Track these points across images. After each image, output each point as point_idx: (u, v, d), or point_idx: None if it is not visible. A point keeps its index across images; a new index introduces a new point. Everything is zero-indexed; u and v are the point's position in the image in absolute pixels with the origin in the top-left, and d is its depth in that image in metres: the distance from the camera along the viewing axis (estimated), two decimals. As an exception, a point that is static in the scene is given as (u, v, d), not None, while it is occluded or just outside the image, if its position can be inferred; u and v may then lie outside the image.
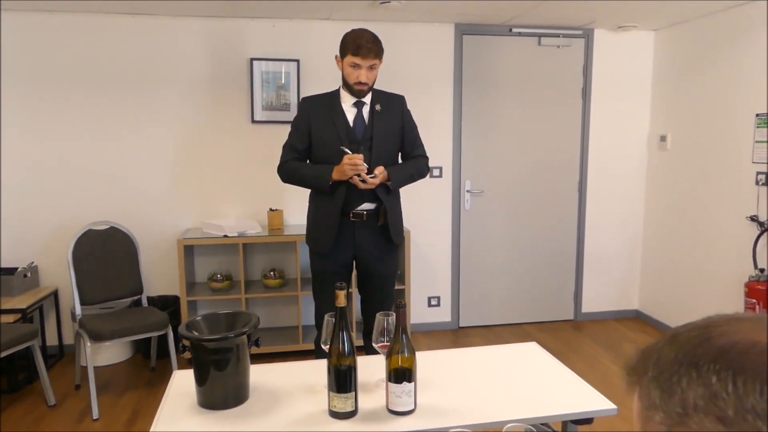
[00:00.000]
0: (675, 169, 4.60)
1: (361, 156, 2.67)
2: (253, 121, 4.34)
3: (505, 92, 4.70)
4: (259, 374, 1.97)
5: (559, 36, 4.69)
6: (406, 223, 4.60)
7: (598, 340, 4.59)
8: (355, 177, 2.70)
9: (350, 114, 2.83)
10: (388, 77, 4.43)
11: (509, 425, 1.24)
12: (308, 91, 4.31)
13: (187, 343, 1.75)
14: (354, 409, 1.68)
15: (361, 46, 2.66)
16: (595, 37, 4.74)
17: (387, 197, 2.84)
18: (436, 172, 4.66)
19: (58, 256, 4.20)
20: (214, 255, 4.43)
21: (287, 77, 4.33)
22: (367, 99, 2.84)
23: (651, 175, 4.92)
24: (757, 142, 3.79)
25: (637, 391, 0.69)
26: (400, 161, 3.00)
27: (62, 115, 4.13)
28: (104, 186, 4.24)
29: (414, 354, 1.68)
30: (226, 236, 4.02)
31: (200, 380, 1.73)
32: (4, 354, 3.20)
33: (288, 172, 2.88)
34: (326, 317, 1.83)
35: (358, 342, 3.04)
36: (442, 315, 4.86)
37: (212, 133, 4.33)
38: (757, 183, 3.80)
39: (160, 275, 4.39)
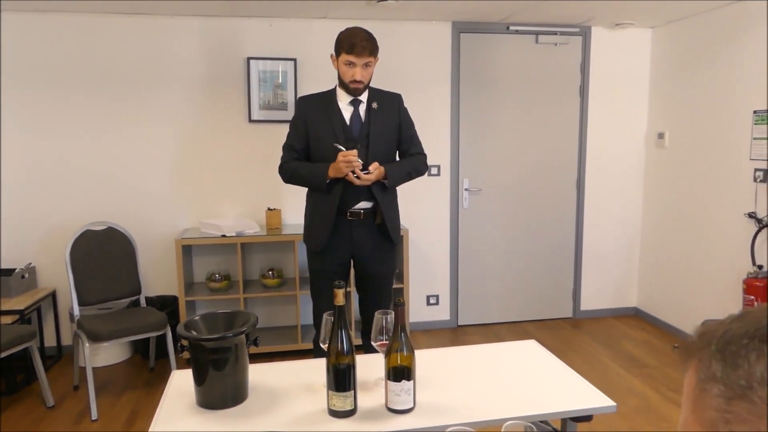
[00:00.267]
0: (673, 167, 4.60)
1: (354, 152, 2.66)
2: (251, 121, 4.34)
3: (502, 90, 4.70)
4: (258, 374, 1.97)
5: (556, 34, 4.69)
6: (405, 221, 4.60)
7: (596, 338, 4.59)
8: (350, 174, 2.69)
9: (347, 112, 2.83)
10: (385, 76, 4.43)
11: (509, 423, 1.23)
12: (305, 90, 4.30)
13: (185, 342, 1.75)
14: (353, 407, 1.68)
15: (355, 44, 2.66)
16: (592, 35, 4.74)
17: (383, 195, 2.84)
18: (434, 171, 4.66)
19: (56, 256, 4.19)
20: (213, 255, 4.42)
21: (284, 76, 4.33)
22: (364, 97, 2.84)
23: (649, 172, 4.92)
24: (755, 138, 3.79)
25: (694, 364, 0.69)
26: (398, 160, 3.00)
27: (59, 115, 4.12)
28: (102, 186, 4.23)
29: (413, 352, 1.67)
30: (224, 236, 4.01)
31: (199, 380, 1.73)
32: (2, 355, 3.19)
33: (287, 173, 2.89)
34: (325, 316, 1.82)
35: (357, 341, 3.04)
36: (441, 313, 4.86)
37: (209, 133, 4.33)
38: (755, 180, 3.80)
39: (158, 275, 4.38)
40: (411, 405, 1.69)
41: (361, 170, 2.71)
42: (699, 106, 4.29)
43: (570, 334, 4.71)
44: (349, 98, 2.82)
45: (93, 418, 3.34)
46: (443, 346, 2.28)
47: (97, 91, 4.15)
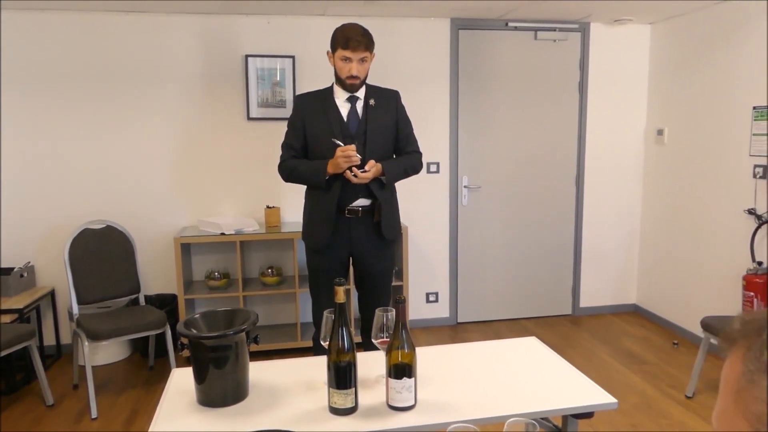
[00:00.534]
0: (672, 163, 4.59)
1: (353, 147, 2.66)
2: (249, 118, 4.33)
3: (501, 87, 4.69)
4: (258, 371, 1.96)
5: (555, 30, 4.68)
6: (404, 219, 4.60)
7: (596, 335, 4.59)
8: (348, 171, 2.69)
9: (344, 109, 2.82)
10: (384, 73, 4.42)
11: (511, 420, 1.23)
12: (304, 87, 4.29)
13: (185, 341, 1.74)
14: (354, 405, 1.68)
15: (350, 38, 2.66)
16: (591, 31, 4.73)
17: (381, 193, 2.84)
18: (433, 168, 4.65)
19: (55, 255, 4.18)
20: (212, 253, 4.41)
21: (282, 74, 4.32)
22: (361, 94, 2.84)
23: (648, 169, 4.92)
24: (754, 134, 3.79)
25: (740, 352, 0.66)
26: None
27: (57, 114, 4.11)
28: (100, 185, 4.22)
29: (414, 350, 1.67)
30: (223, 234, 4.00)
31: (199, 378, 1.72)
32: (1, 354, 3.19)
33: (286, 171, 2.88)
34: (325, 314, 1.82)
35: (356, 338, 3.03)
36: (441, 311, 4.86)
37: (208, 131, 4.32)
38: (754, 176, 3.80)
39: (157, 274, 4.37)
40: (412, 402, 1.69)
41: (359, 167, 2.70)
42: (698, 102, 4.29)
43: (569, 331, 4.71)
44: (347, 95, 2.82)
45: (93, 417, 3.33)
46: (443, 344, 2.28)
47: (96, 90, 4.14)
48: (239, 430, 1.58)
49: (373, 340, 1.82)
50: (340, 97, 2.83)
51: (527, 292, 4.99)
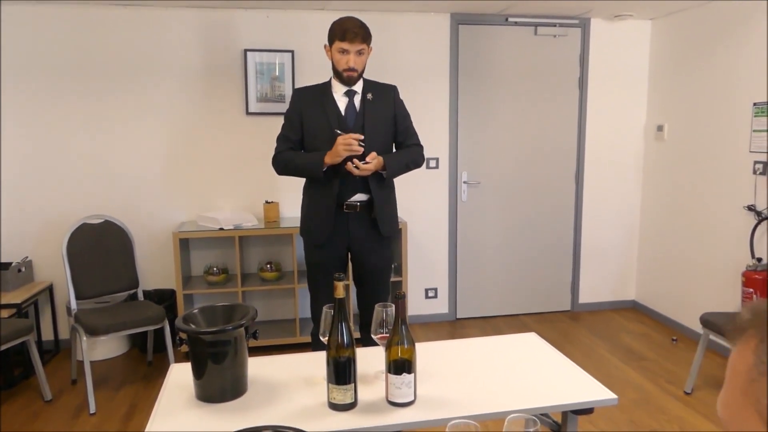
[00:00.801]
0: (672, 159, 4.59)
1: (357, 135, 2.65)
2: (248, 113, 4.31)
3: (501, 82, 4.68)
4: (257, 367, 1.96)
5: (555, 25, 4.67)
6: (403, 214, 4.59)
7: (595, 331, 4.59)
8: (349, 164, 2.68)
9: (341, 103, 2.82)
10: (384, 68, 4.41)
11: (511, 416, 1.22)
12: (303, 82, 4.28)
13: (184, 336, 1.73)
14: (354, 400, 1.67)
15: (347, 30, 2.66)
16: (591, 27, 4.72)
17: (380, 188, 2.83)
18: (432, 163, 4.64)
19: (53, 250, 4.17)
20: (210, 248, 4.40)
21: (282, 68, 4.30)
22: (359, 88, 2.83)
23: (648, 165, 4.91)
24: (754, 131, 3.78)
25: (752, 343, 0.64)
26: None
27: (55, 108, 4.09)
28: (98, 179, 4.21)
29: (414, 345, 1.66)
30: (221, 229, 3.99)
31: (198, 373, 1.72)
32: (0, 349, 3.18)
33: (281, 163, 2.87)
34: (325, 309, 1.81)
35: (355, 334, 3.03)
36: (440, 306, 4.85)
37: (206, 126, 4.30)
38: (754, 172, 3.79)
39: (155, 269, 4.36)
40: (412, 398, 1.68)
41: (360, 159, 2.69)
42: (698, 98, 4.28)
43: (568, 327, 4.71)
44: (344, 89, 2.81)
45: (91, 412, 3.33)
46: (442, 339, 2.27)
47: (94, 84, 4.12)
48: (238, 426, 1.58)
49: (372, 336, 1.82)
50: (338, 91, 2.82)
51: (526, 288, 4.99)
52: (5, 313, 3.60)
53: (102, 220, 3.82)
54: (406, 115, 2.96)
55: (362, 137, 2.68)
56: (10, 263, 3.95)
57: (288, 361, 2.01)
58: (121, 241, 3.84)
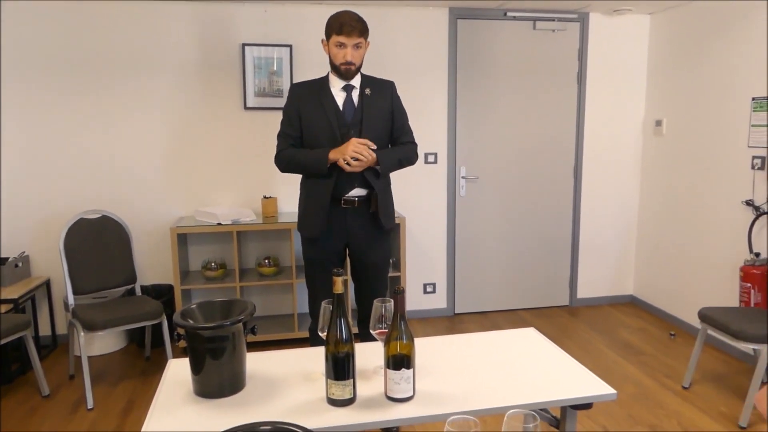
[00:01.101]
0: (670, 154, 4.58)
1: (372, 144, 2.69)
2: (246, 108, 4.30)
3: (500, 77, 4.67)
4: (256, 362, 1.95)
5: (554, 20, 4.65)
6: (401, 209, 4.59)
7: (593, 326, 4.59)
8: (341, 160, 2.68)
9: (339, 98, 2.81)
10: (382, 62, 4.40)
11: (511, 412, 1.22)
12: (301, 76, 4.27)
13: (182, 331, 1.73)
14: (352, 396, 1.67)
15: (345, 24, 2.65)
16: (590, 21, 4.71)
17: (377, 183, 2.82)
18: (431, 159, 4.64)
19: (50, 245, 4.16)
20: (208, 243, 4.39)
21: (280, 63, 4.29)
22: (357, 83, 2.82)
23: (646, 159, 4.91)
24: (753, 126, 3.77)
25: None
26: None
27: (52, 103, 4.07)
28: (96, 174, 4.19)
29: (412, 340, 1.66)
30: (219, 224, 3.98)
31: (196, 369, 1.71)
32: (-4, 344, 3.18)
33: (284, 161, 2.86)
34: (323, 304, 1.81)
35: (353, 329, 3.03)
36: (438, 302, 4.85)
37: (204, 120, 4.29)
38: (753, 167, 3.79)
39: (153, 264, 4.36)
40: (411, 393, 1.68)
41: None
42: (697, 93, 4.27)
43: (567, 321, 4.71)
44: (342, 84, 2.80)
45: (89, 407, 3.32)
46: (440, 335, 2.27)
47: (91, 78, 4.10)
48: (236, 422, 1.57)
49: (371, 331, 1.81)
50: (336, 86, 2.81)
51: (525, 282, 4.99)
52: (2, 309, 3.59)
53: (99, 215, 3.81)
54: (403, 112, 2.96)
55: (375, 146, 2.70)
56: (7, 258, 3.94)
57: (286, 357, 2.01)
58: (118, 236, 3.83)
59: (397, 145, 2.93)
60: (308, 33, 4.31)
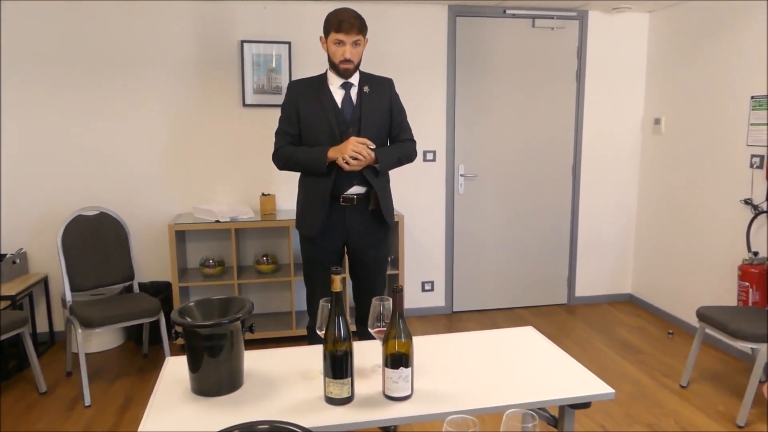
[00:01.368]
0: (669, 153, 4.58)
1: (371, 144, 2.68)
2: (244, 105, 4.29)
3: (499, 75, 4.66)
4: (253, 360, 1.95)
5: (553, 18, 4.65)
6: (400, 207, 4.58)
7: (591, 324, 4.59)
8: (340, 159, 2.67)
9: (338, 96, 2.80)
10: (381, 60, 4.39)
11: (509, 411, 1.22)
12: (300, 74, 4.26)
13: (179, 329, 1.72)
14: (350, 395, 1.66)
15: (343, 21, 2.64)
16: (589, 19, 4.70)
17: (376, 180, 2.82)
18: (429, 156, 4.63)
19: (48, 242, 4.15)
20: (206, 240, 4.39)
21: (278, 60, 4.28)
22: (355, 80, 2.82)
23: (645, 158, 4.91)
24: (752, 124, 3.77)
25: None
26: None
27: (50, 100, 4.06)
28: (94, 171, 4.18)
29: (411, 339, 1.65)
30: (218, 221, 3.98)
31: (193, 367, 1.70)
32: (-7, 341, 3.17)
33: (282, 159, 2.85)
34: (322, 302, 1.81)
35: (351, 327, 3.03)
36: (436, 300, 4.85)
37: (203, 117, 4.28)
38: (751, 166, 3.79)
39: (151, 261, 4.35)
40: (409, 392, 1.68)
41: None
42: (696, 91, 4.27)
43: (565, 320, 4.71)
44: (341, 81, 2.79)
45: (86, 405, 3.32)
46: (438, 333, 2.27)
47: (89, 75, 4.09)
48: (234, 420, 1.57)
49: (369, 330, 1.81)
50: (334, 84, 2.80)
51: (523, 281, 4.99)
52: (0, 305, 3.58)
53: (97, 212, 3.80)
54: (402, 109, 2.95)
55: (374, 145, 2.69)
56: (5, 255, 3.93)
57: (284, 355, 2.00)
58: (116, 232, 3.82)
59: (396, 142, 2.93)
60: (307, 30, 4.30)
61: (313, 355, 1.99)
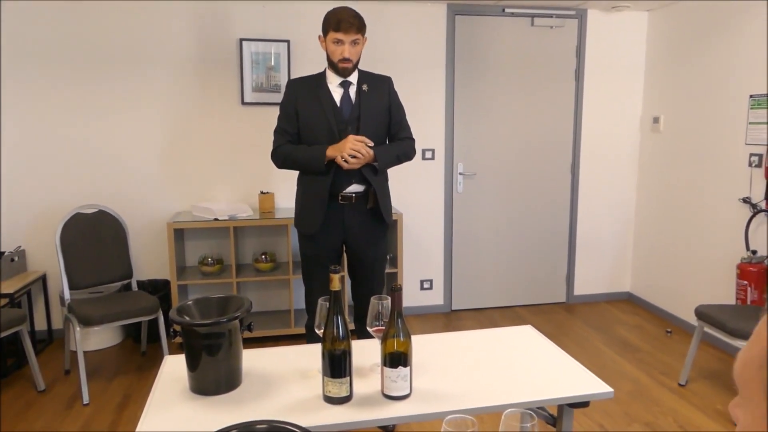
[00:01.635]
0: (668, 151, 4.58)
1: (370, 142, 2.67)
2: (243, 103, 4.28)
3: (498, 74, 4.66)
4: (252, 359, 1.94)
5: (552, 16, 4.64)
6: (399, 205, 4.58)
7: (590, 323, 4.59)
8: (339, 157, 2.67)
9: (337, 94, 2.79)
10: (379, 58, 4.38)
11: (508, 411, 1.22)
12: (299, 72, 4.25)
13: (178, 328, 1.72)
14: (349, 394, 1.66)
15: (342, 20, 2.64)
16: (588, 18, 4.70)
17: (375, 179, 2.81)
18: (428, 155, 4.63)
19: (46, 240, 4.14)
20: (205, 238, 4.38)
21: (277, 58, 4.27)
22: (354, 79, 2.81)
23: (644, 157, 4.90)
24: (750, 123, 3.77)
25: None
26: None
27: (49, 98, 4.05)
28: (92, 169, 4.18)
29: (409, 338, 1.65)
30: (216, 219, 3.97)
31: (192, 366, 1.70)
32: (-9, 339, 3.16)
33: (281, 157, 2.85)
34: (320, 301, 1.81)
35: (350, 326, 3.02)
36: (435, 298, 4.85)
37: (202, 115, 4.27)
38: (750, 164, 3.79)
39: (149, 259, 4.34)
40: (407, 391, 1.67)
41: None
42: (695, 90, 4.27)
43: (563, 318, 4.71)
44: (339, 80, 2.79)
45: (84, 403, 3.31)
46: (437, 331, 2.27)
47: (88, 73, 4.08)
48: (232, 419, 1.57)
49: (368, 329, 1.81)
50: (333, 82, 2.80)
51: (522, 279, 4.99)
52: (-2, 303, 3.58)
53: (96, 210, 3.80)
54: (400, 107, 2.95)
55: (372, 143, 2.69)
56: (3, 252, 3.93)
57: (283, 354, 2.00)
58: (115, 230, 3.82)
59: (395, 141, 2.92)
60: (306, 28, 4.29)
61: (312, 354, 1.99)
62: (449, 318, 4.74)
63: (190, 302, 1.81)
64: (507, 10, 4.56)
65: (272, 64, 4.26)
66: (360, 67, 2.85)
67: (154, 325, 3.73)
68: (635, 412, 3.22)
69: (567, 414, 1.87)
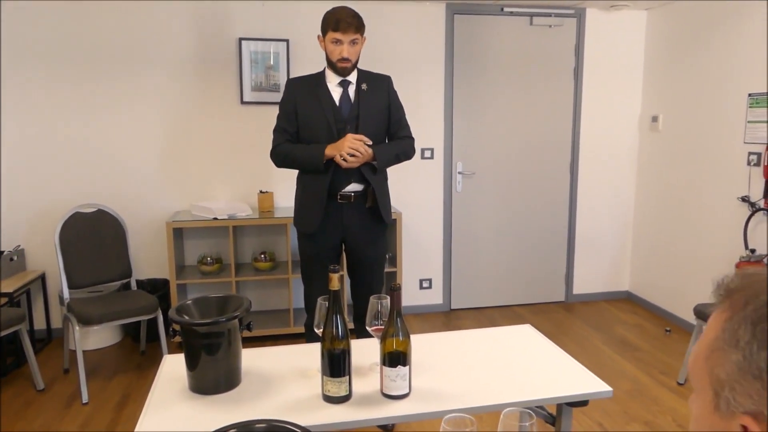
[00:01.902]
0: (667, 150, 4.58)
1: (368, 140, 2.67)
2: (242, 102, 4.28)
3: (497, 73, 4.66)
4: (251, 358, 1.95)
5: (551, 15, 4.64)
6: (398, 205, 4.58)
7: (589, 322, 4.60)
8: (338, 156, 2.67)
9: (336, 93, 2.79)
10: (378, 58, 4.38)
11: (507, 410, 1.22)
12: (298, 71, 4.25)
13: (177, 327, 1.72)
14: (348, 393, 1.66)
15: (340, 20, 2.64)
16: (587, 17, 4.70)
17: (374, 178, 2.82)
18: (427, 154, 4.63)
19: (45, 239, 4.14)
20: (204, 238, 4.38)
21: (276, 57, 4.27)
22: (353, 78, 2.81)
23: (642, 155, 4.91)
24: (749, 122, 3.77)
25: (725, 314, 0.68)
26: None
27: (48, 97, 4.05)
28: (92, 168, 4.17)
29: (409, 337, 1.65)
30: (215, 219, 3.97)
31: (191, 365, 1.70)
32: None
33: (280, 156, 2.85)
34: (319, 300, 1.81)
35: (349, 325, 3.02)
36: (434, 297, 4.85)
37: (201, 115, 4.27)
38: (749, 163, 3.79)
39: (149, 258, 4.34)
40: (406, 391, 1.68)
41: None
42: (694, 88, 4.27)
43: (562, 317, 4.72)
44: (338, 79, 2.79)
45: (83, 402, 3.31)
46: (436, 330, 2.27)
47: (87, 73, 4.08)
48: (232, 418, 1.57)
49: (367, 328, 1.81)
50: (332, 82, 2.80)
51: (521, 278, 4.99)
52: (-3, 303, 3.58)
53: (95, 209, 3.80)
54: (400, 107, 2.95)
55: (371, 142, 2.69)
56: (2, 252, 3.92)
57: (282, 353, 2.00)
58: (114, 230, 3.82)
59: (395, 139, 2.93)
60: (305, 28, 4.29)
61: (311, 353, 1.99)
62: (448, 317, 4.74)
63: (189, 301, 1.81)
64: (506, 10, 4.56)
65: (271, 63, 4.26)
66: (359, 66, 2.85)
67: (154, 324, 3.73)
68: (634, 411, 3.23)
69: (566, 413, 1.87)
